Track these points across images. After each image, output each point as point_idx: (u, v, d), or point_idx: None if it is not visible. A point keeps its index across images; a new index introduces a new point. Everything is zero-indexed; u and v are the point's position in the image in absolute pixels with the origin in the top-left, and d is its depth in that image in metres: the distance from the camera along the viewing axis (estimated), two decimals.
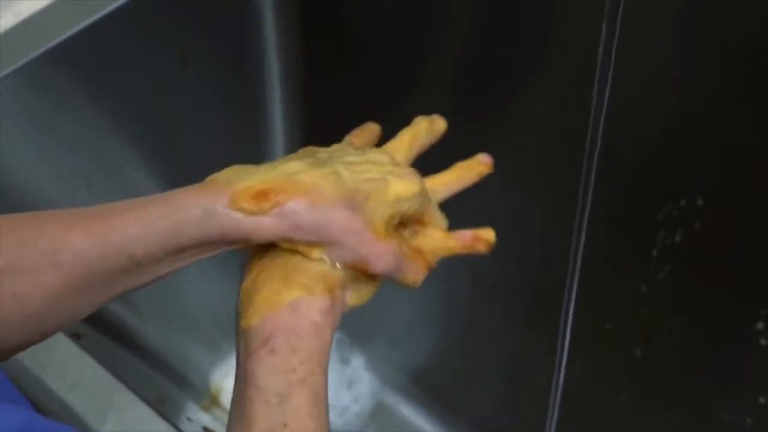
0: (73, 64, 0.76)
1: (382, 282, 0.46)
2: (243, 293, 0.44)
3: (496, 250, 0.93)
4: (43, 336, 0.44)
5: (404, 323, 1.03)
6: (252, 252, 0.46)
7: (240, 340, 0.43)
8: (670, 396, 0.85)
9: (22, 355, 0.60)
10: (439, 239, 0.50)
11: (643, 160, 0.75)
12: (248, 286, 0.44)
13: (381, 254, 0.44)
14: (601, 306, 0.82)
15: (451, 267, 0.96)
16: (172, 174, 0.90)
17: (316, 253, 0.43)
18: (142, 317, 0.92)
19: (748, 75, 0.67)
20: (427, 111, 0.90)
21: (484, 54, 0.82)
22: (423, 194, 0.48)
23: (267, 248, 0.45)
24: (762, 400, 0.77)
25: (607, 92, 0.50)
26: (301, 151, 0.49)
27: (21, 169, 0.77)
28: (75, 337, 0.63)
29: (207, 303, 1.02)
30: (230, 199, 0.42)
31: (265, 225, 0.42)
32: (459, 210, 0.93)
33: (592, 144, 0.53)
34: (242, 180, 0.43)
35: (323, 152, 0.48)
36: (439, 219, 0.51)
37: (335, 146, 0.50)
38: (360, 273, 0.45)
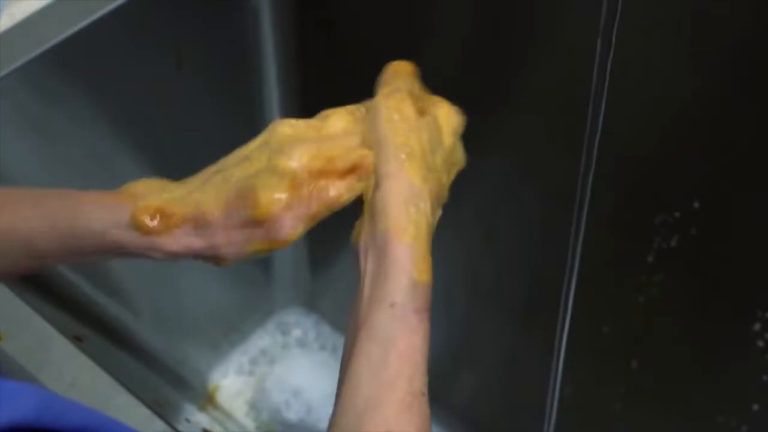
0: (70, 65, 0.76)
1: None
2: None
3: (495, 253, 0.93)
4: None
5: None
6: None
7: (408, 292, 0.41)
8: (666, 400, 0.85)
9: (19, 356, 0.60)
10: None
11: (640, 164, 0.76)
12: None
13: (278, 227, 0.43)
14: (598, 309, 0.82)
15: (449, 269, 0.97)
16: (169, 174, 0.90)
17: None
18: (139, 318, 0.92)
19: (744, 82, 0.67)
20: None
21: (482, 55, 0.82)
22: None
23: None
24: (756, 407, 0.77)
25: (605, 96, 0.50)
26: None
27: (18, 170, 0.77)
28: (77, 339, 0.63)
29: (204, 303, 1.02)
30: (131, 216, 0.44)
31: (161, 245, 0.43)
32: (457, 212, 0.93)
33: (589, 147, 0.53)
34: (147, 197, 0.45)
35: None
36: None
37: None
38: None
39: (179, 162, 0.90)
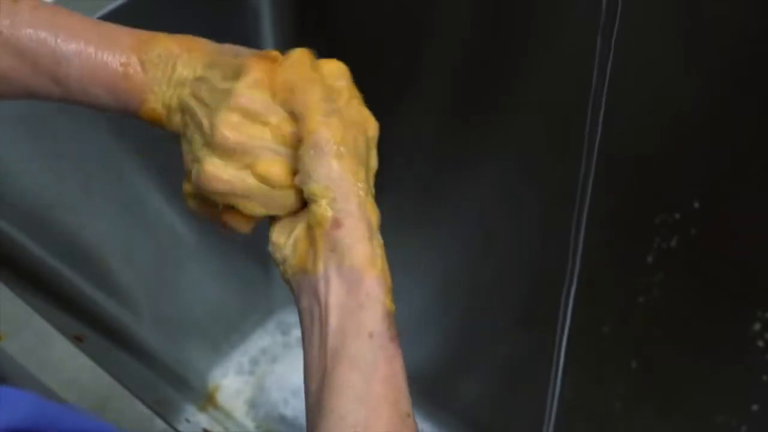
0: None
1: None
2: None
3: (495, 253, 0.93)
4: None
5: (400, 325, 1.02)
6: None
7: (385, 321, 0.42)
8: (666, 400, 0.85)
9: (20, 356, 0.60)
10: None
11: (640, 164, 0.76)
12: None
13: None
14: (598, 309, 0.82)
15: (448, 270, 0.97)
16: (169, 174, 0.90)
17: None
18: (139, 318, 0.92)
19: (744, 82, 0.67)
20: (425, 111, 0.90)
21: (482, 55, 0.82)
22: None
23: None
24: (756, 407, 0.77)
25: (605, 96, 0.50)
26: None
27: (19, 171, 0.77)
28: (77, 339, 0.63)
29: (204, 303, 1.02)
30: (139, 111, 0.47)
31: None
32: (457, 213, 0.93)
33: (589, 147, 0.53)
34: (154, 89, 0.46)
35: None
36: None
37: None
38: None
39: (179, 161, 0.90)
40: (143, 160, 0.87)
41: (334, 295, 0.42)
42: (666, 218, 0.76)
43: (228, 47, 0.47)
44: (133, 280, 0.91)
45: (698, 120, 0.71)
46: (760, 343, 0.75)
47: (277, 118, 0.44)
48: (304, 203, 0.44)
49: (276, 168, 0.44)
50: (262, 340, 1.11)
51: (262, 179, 0.44)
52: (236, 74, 0.44)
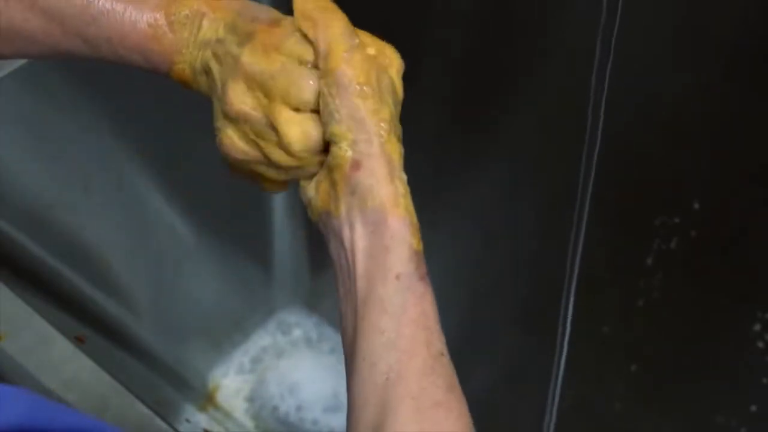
0: (70, 64, 0.75)
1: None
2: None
3: (495, 254, 0.93)
4: None
5: None
6: None
7: (412, 262, 0.41)
8: (666, 401, 0.85)
9: (19, 356, 0.60)
10: None
11: (640, 165, 0.76)
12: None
13: None
14: (598, 310, 0.82)
15: (448, 271, 0.97)
16: (170, 174, 0.90)
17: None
18: (139, 318, 0.92)
19: (744, 82, 0.67)
20: (424, 111, 0.90)
21: (482, 55, 0.82)
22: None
23: None
24: (754, 407, 0.77)
25: (605, 96, 0.50)
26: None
27: (19, 171, 0.77)
28: (78, 340, 0.63)
29: (205, 303, 1.02)
30: (168, 71, 0.45)
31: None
32: (456, 213, 0.93)
33: (589, 148, 0.53)
34: (182, 51, 0.45)
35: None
36: None
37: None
38: None
39: (179, 161, 0.90)
40: (143, 160, 0.87)
41: (359, 239, 0.41)
42: (666, 219, 0.76)
43: (251, 8, 0.45)
44: (133, 280, 0.90)
45: (698, 120, 0.71)
46: (760, 344, 0.75)
47: (281, 85, 0.42)
48: (327, 144, 0.43)
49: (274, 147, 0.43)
50: (262, 339, 1.11)
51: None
52: (247, 41, 0.43)
